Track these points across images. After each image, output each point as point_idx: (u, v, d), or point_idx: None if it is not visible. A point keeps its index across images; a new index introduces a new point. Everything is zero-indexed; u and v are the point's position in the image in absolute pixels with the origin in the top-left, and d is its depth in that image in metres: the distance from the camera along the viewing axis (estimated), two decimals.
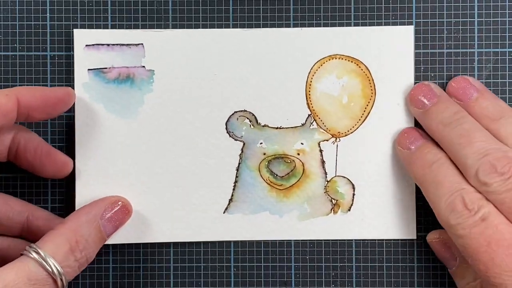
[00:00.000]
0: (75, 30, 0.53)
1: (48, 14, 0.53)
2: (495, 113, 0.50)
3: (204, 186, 0.53)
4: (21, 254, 0.45)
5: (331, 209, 0.53)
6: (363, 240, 0.53)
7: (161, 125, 0.53)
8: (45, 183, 0.54)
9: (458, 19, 0.53)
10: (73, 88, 0.52)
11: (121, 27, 0.53)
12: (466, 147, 0.48)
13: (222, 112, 0.53)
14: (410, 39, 0.53)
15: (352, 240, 0.54)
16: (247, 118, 0.53)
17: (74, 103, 0.51)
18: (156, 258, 0.54)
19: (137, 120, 0.53)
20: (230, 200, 0.53)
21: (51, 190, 0.54)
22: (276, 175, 0.53)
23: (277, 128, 0.53)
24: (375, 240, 0.53)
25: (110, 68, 0.52)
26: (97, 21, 0.53)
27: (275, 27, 0.53)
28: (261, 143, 0.53)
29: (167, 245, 0.54)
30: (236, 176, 0.53)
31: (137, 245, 0.54)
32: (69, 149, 0.53)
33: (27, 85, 0.53)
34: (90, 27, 0.53)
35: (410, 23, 0.53)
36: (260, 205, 0.53)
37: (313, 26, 0.53)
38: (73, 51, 0.53)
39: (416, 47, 0.53)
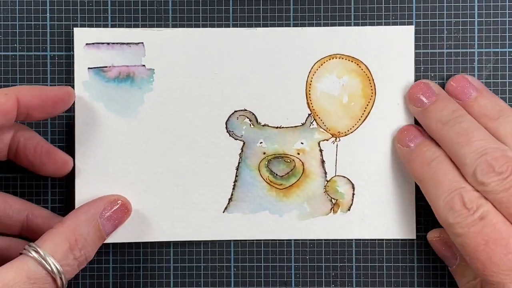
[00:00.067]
0: (75, 29, 0.53)
1: (48, 14, 0.53)
2: (494, 112, 0.50)
3: (204, 185, 0.53)
4: (21, 253, 0.46)
5: (331, 209, 0.53)
6: (363, 240, 0.53)
7: (161, 124, 0.53)
8: (45, 182, 0.54)
9: (458, 19, 0.53)
10: (73, 87, 0.52)
11: (121, 26, 0.53)
12: (465, 146, 0.48)
13: (222, 111, 0.53)
14: (410, 39, 0.53)
15: (352, 240, 0.54)
16: (247, 118, 0.53)
17: (74, 102, 0.51)
18: (156, 258, 0.54)
19: (137, 119, 0.53)
20: (230, 199, 0.53)
21: (51, 189, 0.54)
22: (276, 174, 0.53)
23: (277, 127, 0.53)
24: (375, 240, 0.53)
25: (110, 67, 0.52)
26: (97, 21, 0.53)
27: (275, 26, 0.53)
28: (261, 143, 0.53)
29: (167, 245, 0.54)
30: (236, 176, 0.53)
31: (137, 245, 0.54)
32: (69, 148, 0.53)
33: (27, 85, 0.53)
34: (90, 26, 0.53)
35: (410, 23, 0.53)
36: (260, 204, 0.53)
37: (313, 26, 0.53)
38: (73, 51, 0.53)
39: (416, 47, 0.53)
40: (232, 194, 0.53)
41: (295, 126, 0.53)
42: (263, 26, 0.53)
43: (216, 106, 0.53)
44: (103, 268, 0.54)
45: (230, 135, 0.53)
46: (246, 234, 0.53)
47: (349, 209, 0.53)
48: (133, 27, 0.53)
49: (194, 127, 0.53)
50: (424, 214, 0.53)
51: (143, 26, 0.53)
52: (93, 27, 0.53)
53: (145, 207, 0.53)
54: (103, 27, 0.53)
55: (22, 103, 0.47)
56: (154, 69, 0.53)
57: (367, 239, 0.53)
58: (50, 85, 0.53)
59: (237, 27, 0.53)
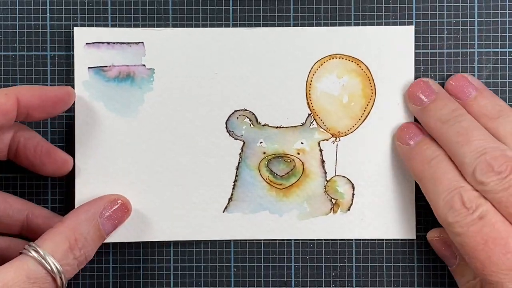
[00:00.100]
0: (75, 28, 0.53)
1: (48, 14, 0.53)
2: (493, 111, 0.50)
3: (204, 185, 0.53)
4: (20, 253, 0.45)
5: (331, 209, 0.53)
6: (363, 240, 0.53)
7: (161, 123, 0.53)
8: (45, 182, 0.54)
9: (458, 19, 0.53)
10: (73, 87, 0.52)
11: (121, 26, 0.53)
12: (464, 146, 0.48)
13: (222, 111, 0.53)
14: (410, 39, 0.53)
15: (352, 240, 0.54)
16: (247, 117, 0.53)
17: (74, 102, 0.51)
18: (156, 258, 0.54)
19: (137, 118, 0.53)
20: (230, 199, 0.53)
21: (51, 189, 0.54)
22: (276, 174, 0.53)
23: (277, 127, 0.53)
24: (375, 240, 0.53)
25: (110, 66, 0.52)
26: (97, 21, 0.53)
27: (275, 26, 0.53)
28: (261, 142, 0.53)
29: (167, 245, 0.54)
30: (236, 175, 0.53)
31: (137, 245, 0.54)
32: (69, 147, 0.53)
33: (27, 85, 0.53)
34: (90, 26, 0.53)
35: (410, 23, 0.53)
36: (259, 204, 0.53)
37: (313, 26, 0.53)
38: (73, 51, 0.53)
39: (416, 47, 0.53)
40: (232, 194, 0.53)
41: (295, 126, 0.53)
42: (263, 26, 0.53)
43: (216, 106, 0.53)
44: (103, 268, 0.54)
45: (230, 135, 0.53)
46: (246, 234, 0.53)
47: (349, 209, 0.53)
48: (133, 27, 0.53)
49: (194, 127, 0.53)
50: (424, 214, 0.53)
51: (143, 26, 0.53)
52: (93, 27, 0.53)
53: (145, 207, 0.53)
54: (103, 27, 0.53)
55: (22, 103, 0.47)
56: (154, 68, 0.53)
57: (367, 239, 0.53)
58: (50, 85, 0.53)
59: (237, 27, 0.53)
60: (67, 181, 0.53)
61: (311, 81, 0.53)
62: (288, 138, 0.53)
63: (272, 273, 0.54)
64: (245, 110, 0.53)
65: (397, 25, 0.53)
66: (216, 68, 0.53)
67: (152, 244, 0.54)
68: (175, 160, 0.53)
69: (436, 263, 0.53)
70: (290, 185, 0.53)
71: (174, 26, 0.53)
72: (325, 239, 0.54)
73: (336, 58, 0.53)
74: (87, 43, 0.52)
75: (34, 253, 0.45)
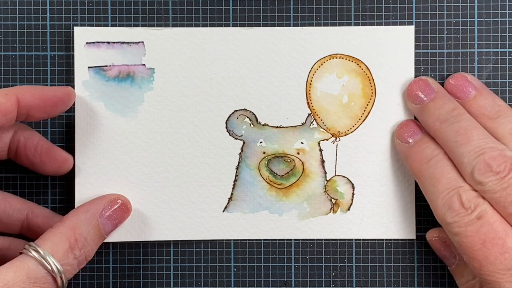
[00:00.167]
0: (75, 28, 0.53)
1: (48, 14, 0.53)
2: (492, 111, 0.50)
3: (204, 185, 0.53)
4: (20, 253, 0.45)
5: (331, 209, 0.53)
6: (363, 240, 0.53)
7: (161, 123, 0.53)
8: (45, 182, 0.54)
9: (458, 19, 0.53)
10: (73, 86, 0.52)
11: (121, 26, 0.53)
12: (463, 145, 0.48)
13: (222, 111, 0.53)
14: (410, 39, 0.53)
15: (352, 240, 0.54)
16: (247, 117, 0.53)
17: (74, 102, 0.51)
18: (156, 258, 0.54)
19: (137, 118, 0.53)
20: (230, 199, 0.53)
21: (51, 189, 0.54)
22: (276, 174, 0.53)
23: (277, 127, 0.53)
24: (375, 240, 0.53)
25: (110, 66, 0.52)
26: (97, 21, 0.53)
27: (275, 26, 0.53)
28: (261, 142, 0.53)
29: (167, 244, 0.54)
30: (236, 175, 0.53)
31: (137, 245, 0.54)
32: (69, 147, 0.53)
33: (27, 85, 0.53)
34: (90, 26, 0.53)
35: (410, 23, 0.53)
36: (259, 204, 0.53)
37: (313, 26, 0.53)
38: (73, 51, 0.53)
39: (416, 47, 0.53)
40: (232, 194, 0.53)
41: (295, 126, 0.53)
42: (263, 26, 0.53)
43: (216, 105, 0.53)
44: (103, 268, 0.54)
45: (230, 135, 0.53)
46: (246, 234, 0.53)
47: (348, 209, 0.53)
48: (133, 27, 0.53)
49: (194, 126, 0.53)
50: (424, 214, 0.53)
51: (143, 25, 0.53)
52: (93, 26, 0.53)
53: (145, 206, 0.53)
54: (103, 26, 0.53)
55: (22, 103, 0.47)
56: (154, 68, 0.53)
57: (367, 239, 0.53)
58: (50, 85, 0.53)
59: (237, 27, 0.53)
60: (67, 181, 0.53)
61: (311, 81, 0.53)
62: (288, 138, 0.53)
63: (272, 273, 0.54)
64: (245, 110, 0.53)
65: (397, 25, 0.53)
66: (216, 68, 0.53)
67: (152, 244, 0.54)
68: (175, 160, 0.53)
69: (436, 263, 0.53)
70: (290, 185, 0.53)
71: (174, 26, 0.53)
72: (325, 239, 0.54)
73: (336, 58, 0.53)
74: (87, 43, 0.53)
75: (34, 253, 0.45)
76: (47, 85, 0.53)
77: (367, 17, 0.53)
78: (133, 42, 0.53)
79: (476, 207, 0.46)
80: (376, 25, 0.53)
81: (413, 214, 0.53)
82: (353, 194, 0.53)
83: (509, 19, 0.53)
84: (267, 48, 0.53)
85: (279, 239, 0.54)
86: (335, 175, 0.53)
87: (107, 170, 0.53)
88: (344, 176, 0.53)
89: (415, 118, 0.52)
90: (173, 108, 0.53)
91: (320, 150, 0.53)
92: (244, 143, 0.53)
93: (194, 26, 0.53)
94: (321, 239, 0.54)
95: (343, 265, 0.54)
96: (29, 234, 0.51)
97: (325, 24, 0.53)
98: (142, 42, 0.53)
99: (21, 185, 0.53)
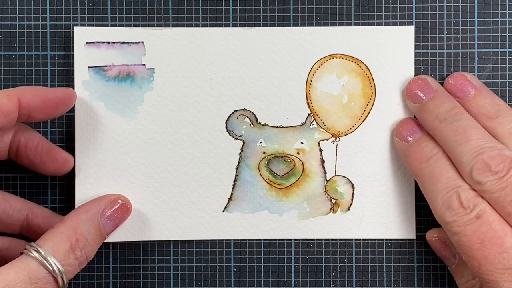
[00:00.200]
0: (75, 28, 0.53)
1: (48, 14, 0.53)
2: (492, 110, 0.50)
3: (204, 185, 0.53)
4: (21, 253, 0.45)
5: (331, 209, 0.53)
6: (363, 240, 0.53)
7: (161, 123, 0.53)
8: (45, 182, 0.54)
9: (458, 19, 0.53)
10: (73, 86, 0.52)
11: (121, 26, 0.53)
12: (461, 145, 0.48)
13: (222, 111, 0.53)
14: (410, 39, 0.53)
15: (352, 240, 0.54)
16: (247, 117, 0.53)
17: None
18: (156, 257, 0.54)
19: (137, 118, 0.53)
20: (230, 198, 0.53)
21: (51, 189, 0.54)
22: (276, 174, 0.53)
23: (277, 127, 0.53)
24: (375, 240, 0.53)
25: (110, 66, 0.52)
26: (97, 21, 0.53)
27: (275, 26, 0.53)
28: (261, 142, 0.53)
29: (167, 244, 0.54)
30: (236, 175, 0.53)
31: (137, 245, 0.54)
32: (69, 147, 0.53)
33: (27, 85, 0.53)
34: (90, 26, 0.53)
35: (410, 23, 0.53)
36: (259, 204, 0.53)
37: (313, 26, 0.53)
38: (73, 51, 0.53)
39: (416, 47, 0.53)
40: (232, 194, 0.53)
41: (295, 126, 0.53)
42: (263, 26, 0.53)
43: (216, 105, 0.53)
44: (103, 268, 0.54)
45: (230, 135, 0.53)
46: (246, 234, 0.53)
47: (348, 209, 0.53)
48: (133, 27, 0.53)
49: (194, 126, 0.53)
50: (424, 214, 0.53)
51: (143, 25, 0.53)
52: (93, 26, 0.53)
53: (145, 206, 0.53)
54: (103, 26, 0.53)
55: (23, 104, 0.47)
56: (154, 68, 0.53)
57: (367, 239, 0.53)
58: (50, 85, 0.53)
59: (237, 27, 0.53)
60: (67, 181, 0.53)
61: (311, 81, 0.53)
62: (288, 138, 0.53)
63: (272, 273, 0.54)
64: (245, 110, 0.53)
65: (397, 25, 0.53)
66: (216, 68, 0.53)
67: (152, 244, 0.54)
68: (175, 159, 0.53)
69: (436, 263, 0.53)
70: (290, 185, 0.53)
71: (174, 26, 0.53)
72: (325, 239, 0.54)
73: (336, 58, 0.53)
74: (87, 43, 0.53)
75: (35, 254, 0.45)
76: (47, 85, 0.53)
77: (367, 17, 0.53)
78: (133, 42, 0.53)
79: (475, 207, 0.46)
80: (376, 25, 0.53)
81: (413, 214, 0.53)
82: (353, 194, 0.53)
83: (509, 19, 0.53)
84: (267, 48, 0.53)
85: (279, 239, 0.54)
86: (335, 175, 0.53)
87: (107, 170, 0.53)
88: (344, 176, 0.53)
89: (415, 117, 0.52)
90: (173, 108, 0.53)
91: (320, 150, 0.53)
92: (244, 143, 0.53)
93: (194, 26, 0.53)
94: (321, 239, 0.54)
95: (343, 265, 0.54)
96: (29, 234, 0.51)
97: (325, 24, 0.53)
98: (142, 42, 0.53)
99: (21, 185, 0.53)
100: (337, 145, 0.53)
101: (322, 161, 0.53)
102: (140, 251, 0.54)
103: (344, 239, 0.54)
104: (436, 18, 0.53)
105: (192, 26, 0.53)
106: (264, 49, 0.53)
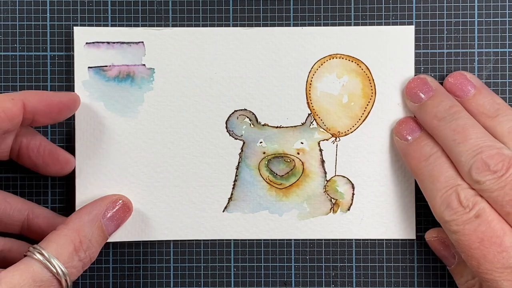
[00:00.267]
0: (75, 28, 0.53)
1: (48, 14, 0.53)
2: (491, 110, 0.50)
3: (204, 185, 0.53)
4: (25, 255, 0.45)
5: (331, 209, 0.53)
6: (363, 240, 0.53)
7: (161, 123, 0.53)
8: (45, 182, 0.54)
9: (458, 19, 0.53)
10: (73, 86, 0.52)
11: (121, 26, 0.53)
12: (460, 144, 0.48)
13: (222, 111, 0.53)
14: (410, 39, 0.53)
15: (352, 240, 0.54)
16: (247, 117, 0.53)
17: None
18: (156, 258, 0.54)
19: (137, 118, 0.53)
20: (230, 198, 0.53)
21: (51, 189, 0.53)
22: (276, 174, 0.53)
23: (277, 127, 0.53)
24: (375, 240, 0.53)
25: (110, 66, 0.52)
26: (97, 21, 0.53)
27: (275, 26, 0.53)
28: (261, 142, 0.53)
29: (167, 244, 0.54)
30: (236, 175, 0.53)
31: (137, 245, 0.54)
32: (69, 147, 0.53)
33: (27, 85, 0.53)
34: (90, 26, 0.53)
35: (410, 23, 0.53)
36: (259, 204, 0.53)
37: (313, 26, 0.53)
38: (73, 51, 0.53)
39: (416, 47, 0.53)
40: (232, 194, 0.53)
41: (295, 126, 0.53)
42: (263, 26, 0.53)
43: (216, 105, 0.53)
44: (103, 268, 0.54)
45: (230, 135, 0.53)
46: (246, 234, 0.53)
47: (348, 209, 0.53)
48: (133, 27, 0.53)
49: (194, 126, 0.53)
50: (424, 214, 0.53)
51: (143, 25, 0.53)
52: (93, 26, 0.53)
53: (145, 206, 0.53)
54: (103, 26, 0.53)
55: (28, 109, 0.47)
56: (154, 68, 0.53)
57: (367, 239, 0.53)
58: (50, 85, 0.53)
59: (237, 27, 0.53)
60: (67, 181, 0.53)
61: (311, 81, 0.53)
62: (288, 138, 0.53)
63: (272, 273, 0.54)
64: (245, 110, 0.53)
65: (397, 25, 0.53)
66: (216, 68, 0.53)
67: (152, 244, 0.54)
68: (175, 160, 0.53)
69: (436, 263, 0.53)
70: (290, 185, 0.53)
71: (174, 26, 0.53)
72: (325, 239, 0.54)
73: (336, 58, 0.53)
74: (87, 43, 0.52)
75: (39, 256, 0.45)
76: (47, 85, 0.53)
77: (367, 17, 0.53)
78: (133, 42, 0.53)
79: (474, 206, 0.46)
80: (376, 25, 0.53)
81: (413, 214, 0.53)
82: (353, 194, 0.53)
83: (509, 19, 0.53)
84: (267, 48, 0.53)
85: (279, 239, 0.54)
86: (335, 175, 0.53)
87: (107, 170, 0.53)
88: (344, 176, 0.53)
89: (415, 116, 0.52)
90: (173, 108, 0.53)
91: (320, 150, 0.53)
92: (244, 143, 0.53)
93: (194, 26, 0.53)
94: (321, 239, 0.54)
95: (343, 265, 0.54)
96: (29, 235, 0.51)
97: (325, 24, 0.53)
98: (142, 42, 0.53)
99: (21, 185, 0.53)
100: (337, 145, 0.53)
101: (322, 161, 0.53)
102: (140, 251, 0.54)
103: (344, 239, 0.54)
104: (436, 18, 0.53)
105: (192, 26, 0.53)
106: (264, 49, 0.53)
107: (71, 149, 0.52)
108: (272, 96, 0.53)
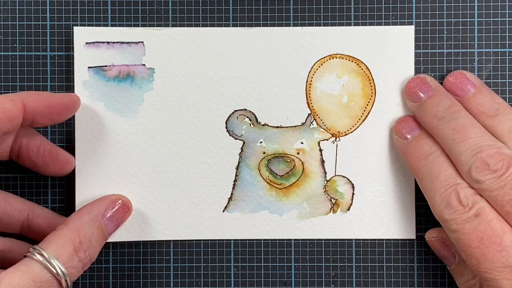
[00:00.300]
0: (75, 28, 0.53)
1: (48, 14, 0.53)
2: (491, 109, 0.50)
3: (204, 185, 0.53)
4: (25, 256, 0.45)
5: (331, 209, 0.53)
6: (363, 240, 0.53)
7: (161, 123, 0.53)
8: (45, 182, 0.54)
9: (458, 19, 0.53)
10: (73, 86, 0.52)
11: (121, 26, 0.53)
12: (460, 143, 0.48)
13: (222, 111, 0.53)
14: (410, 39, 0.53)
15: (352, 240, 0.54)
16: (247, 117, 0.53)
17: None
18: (156, 258, 0.54)
19: (137, 118, 0.53)
20: (230, 198, 0.53)
21: (51, 189, 0.53)
22: (276, 174, 0.53)
23: (277, 127, 0.53)
24: (375, 240, 0.53)
25: (110, 66, 0.52)
26: (97, 21, 0.53)
27: (275, 26, 0.53)
28: (261, 142, 0.53)
29: (167, 244, 0.53)
30: (236, 175, 0.53)
31: (137, 245, 0.54)
32: (69, 147, 0.53)
33: (27, 85, 0.53)
34: (90, 26, 0.53)
35: (410, 23, 0.53)
36: (259, 204, 0.53)
37: (313, 26, 0.53)
38: (73, 51, 0.53)
39: (416, 47, 0.53)
40: (232, 194, 0.53)
41: (295, 126, 0.53)
42: (263, 26, 0.53)
43: (216, 105, 0.53)
44: (103, 268, 0.54)
45: (230, 135, 0.53)
46: (246, 234, 0.53)
47: (348, 209, 0.53)
48: (133, 27, 0.53)
49: (194, 126, 0.53)
50: (424, 214, 0.53)
51: (143, 25, 0.53)
52: (93, 26, 0.53)
53: (145, 206, 0.53)
54: (103, 26, 0.53)
55: (28, 109, 0.47)
56: (154, 68, 0.53)
57: (367, 239, 0.53)
58: (50, 85, 0.53)
59: (237, 27, 0.53)
60: (67, 181, 0.53)
61: (311, 81, 0.53)
62: (288, 138, 0.53)
63: (272, 273, 0.54)
64: (245, 110, 0.53)
65: (397, 25, 0.53)
66: (216, 68, 0.53)
67: (152, 244, 0.54)
68: (175, 159, 0.53)
69: (436, 263, 0.53)
70: (290, 185, 0.53)
71: (174, 26, 0.53)
72: (325, 239, 0.54)
73: (336, 58, 0.53)
74: (87, 43, 0.52)
75: (39, 257, 0.45)
76: (47, 85, 0.53)
77: (367, 17, 0.53)
78: (133, 42, 0.53)
79: (474, 205, 0.46)
80: (376, 25, 0.53)
81: (413, 214, 0.53)
82: (353, 194, 0.53)
83: (509, 19, 0.53)
84: (267, 48, 0.53)
85: (279, 239, 0.54)
86: (335, 175, 0.53)
87: (107, 170, 0.53)
88: (344, 176, 0.53)
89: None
90: (173, 108, 0.53)
91: (320, 150, 0.53)
92: (244, 143, 0.53)
93: (194, 26, 0.53)
94: (321, 239, 0.54)
95: (343, 265, 0.54)
96: (29, 235, 0.51)
97: (325, 24, 0.53)
98: (142, 42, 0.53)
99: (21, 185, 0.53)
100: (337, 145, 0.53)
101: (322, 161, 0.53)
102: (140, 251, 0.54)
103: (344, 239, 0.54)
104: (436, 18, 0.53)
105: (192, 26, 0.53)
106: (264, 49, 0.53)
107: (71, 149, 0.52)
108: (272, 96, 0.53)
